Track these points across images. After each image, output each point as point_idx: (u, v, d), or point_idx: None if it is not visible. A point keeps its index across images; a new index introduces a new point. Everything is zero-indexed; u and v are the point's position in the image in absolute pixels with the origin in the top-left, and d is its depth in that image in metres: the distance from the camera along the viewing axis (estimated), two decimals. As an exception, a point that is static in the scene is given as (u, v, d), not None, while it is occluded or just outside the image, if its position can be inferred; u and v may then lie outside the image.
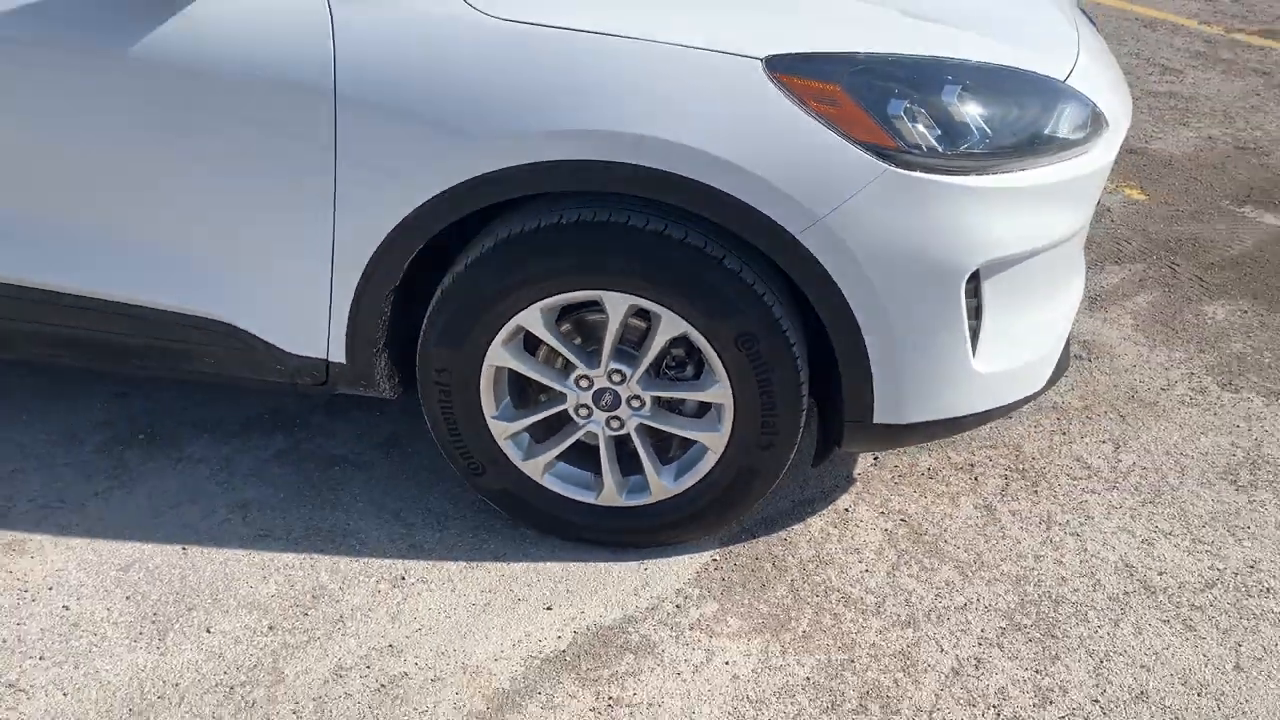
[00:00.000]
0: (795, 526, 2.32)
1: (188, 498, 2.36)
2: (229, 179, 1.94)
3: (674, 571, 2.20)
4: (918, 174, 1.82)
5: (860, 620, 2.09)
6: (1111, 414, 2.69)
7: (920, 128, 1.83)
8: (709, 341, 1.97)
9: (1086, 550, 2.27)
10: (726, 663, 1.99)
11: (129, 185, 1.99)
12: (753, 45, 1.80)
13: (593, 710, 1.90)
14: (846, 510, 2.37)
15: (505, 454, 2.17)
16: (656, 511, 2.19)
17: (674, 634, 2.05)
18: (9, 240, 2.07)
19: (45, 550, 2.20)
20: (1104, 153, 2.06)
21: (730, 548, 2.26)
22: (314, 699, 1.91)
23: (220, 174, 1.94)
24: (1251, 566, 2.24)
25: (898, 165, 1.81)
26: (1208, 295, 3.26)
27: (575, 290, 1.97)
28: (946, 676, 1.97)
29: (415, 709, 1.89)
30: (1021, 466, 2.50)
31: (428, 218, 1.90)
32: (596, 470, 2.18)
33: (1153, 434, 2.62)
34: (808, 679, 1.96)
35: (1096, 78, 2.11)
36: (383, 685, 1.94)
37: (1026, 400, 2.16)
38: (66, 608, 2.07)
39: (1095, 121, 2.04)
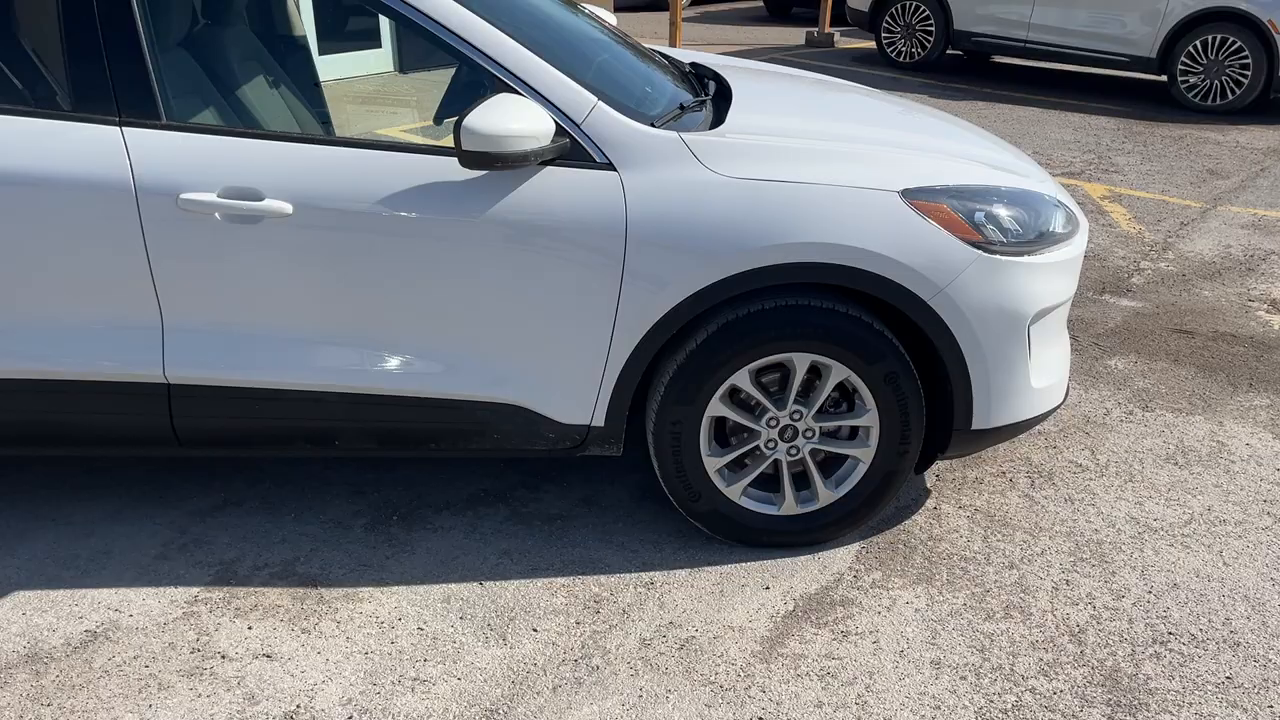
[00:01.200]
0: (905, 522, 3.23)
1: (460, 552, 3.05)
2: (540, 299, 2.75)
3: (839, 557, 3.05)
4: (996, 257, 2.84)
5: (979, 569, 3.00)
6: (1079, 433, 3.76)
7: (991, 228, 2.87)
8: (865, 382, 2.90)
9: (1103, 514, 3.27)
10: (907, 603, 2.86)
11: (460, 310, 2.76)
12: (893, 183, 2.81)
13: (834, 640, 2.71)
14: (934, 508, 3.30)
15: (714, 483, 3.00)
16: (823, 514, 3.05)
17: (861, 591, 2.90)
18: (354, 356, 2.80)
19: (376, 597, 2.85)
20: (1081, 241, 3.16)
21: (868, 540, 3.14)
22: (640, 659, 2.64)
23: (533, 296, 2.74)
24: (1209, 509, 3.30)
25: (985, 252, 2.83)
26: (1106, 354, 4.45)
27: (773, 354, 2.86)
28: (1051, 592, 2.90)
29: (716, 654, 2.66)
30: (1037, 470, 3.52)
31: (679, 313, 2.77)
32: (775, 489, 3.04)
33: (1112, 441, 3.70)
34: (964, 605, 2.85)
35: (1063, 195, 3.24)
36: (682, 644, 2.69)
37: (1055, 410, 3.18)
38: (420, 629, 2.74)
39: (1072, 220, 3.14)
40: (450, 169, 2.66)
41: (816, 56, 11.86)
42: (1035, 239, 2.98)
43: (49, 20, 2.62)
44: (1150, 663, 2.63)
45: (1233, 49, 9.24)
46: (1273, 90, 9.22)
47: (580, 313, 2.78)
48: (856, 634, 2.74)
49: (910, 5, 11.00)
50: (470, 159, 2.54)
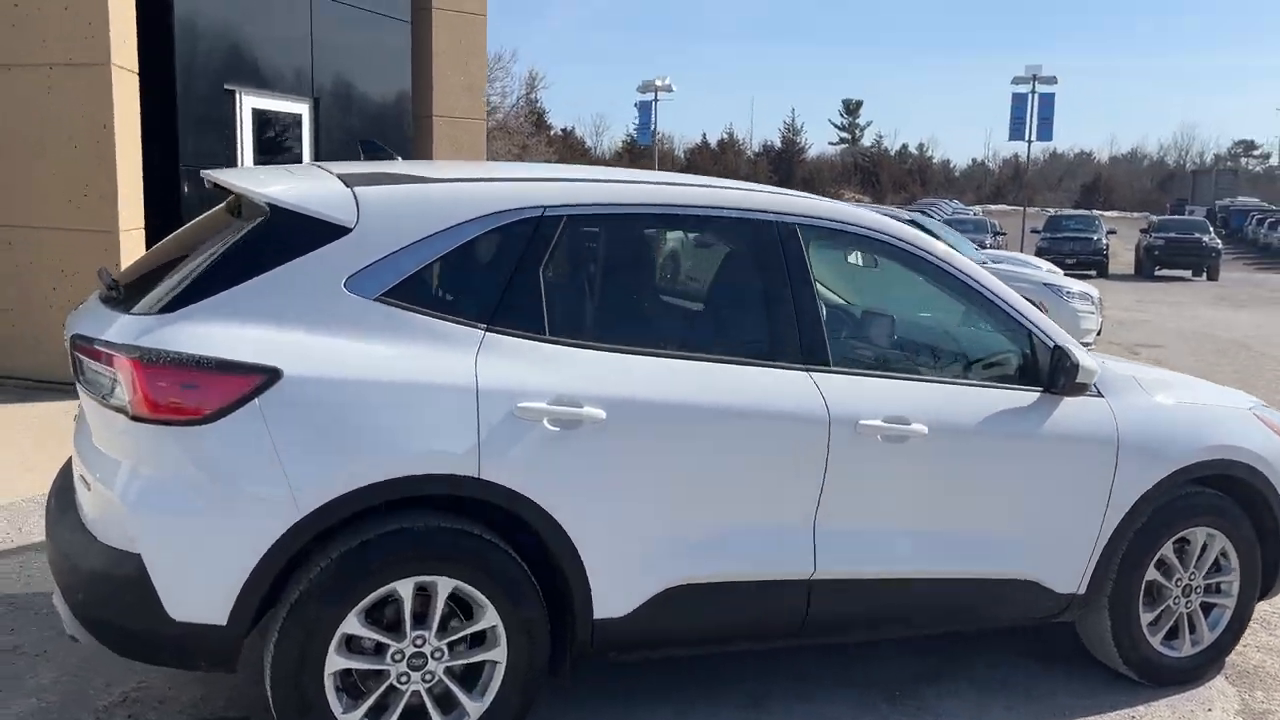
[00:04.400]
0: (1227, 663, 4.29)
1: (974, 708, 3.72)
2: (1062, 490, 3.66)
3: (1221, 685, 4.04)
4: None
5: (1315, 682, 4.12)
6: None
7: (1281, 429, 4.19)
8: (1233, 545, 3.99)
9: (1335, 641, 4.52)
10: (1304, 706, 3.90)
11: (1013, 502, 3.60)
12: (1241, 404, 4.09)
13: (1294, 734, 3.69)
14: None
15: (1146, 635, 3.92)
16: (1203, 654, 4.04)
17: (1260, 703, 3.90)
18: (945, 547, 3.52)
19: (970, 745, 3.48)
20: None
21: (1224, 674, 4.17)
22: None
23: (1058, 487, 3.65)
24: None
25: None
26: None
27: (1186, 530, 3.90)
28: (1374, 689, 4.06)
29: (1239, 752, 3.54)
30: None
31: (1147, 499, 3.79)
32: (1174, 637, 4.02)
33: None
34: (1338, 703, 3.94)
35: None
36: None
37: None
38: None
39: None
40: (1015, 398, 3.60)
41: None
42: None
43: (758, 300, 3.43)
44: None
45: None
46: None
47: (1087, 500, 3.73)
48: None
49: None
50: (1073, 389, 3.55)
